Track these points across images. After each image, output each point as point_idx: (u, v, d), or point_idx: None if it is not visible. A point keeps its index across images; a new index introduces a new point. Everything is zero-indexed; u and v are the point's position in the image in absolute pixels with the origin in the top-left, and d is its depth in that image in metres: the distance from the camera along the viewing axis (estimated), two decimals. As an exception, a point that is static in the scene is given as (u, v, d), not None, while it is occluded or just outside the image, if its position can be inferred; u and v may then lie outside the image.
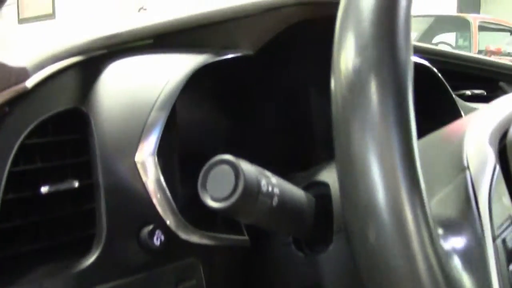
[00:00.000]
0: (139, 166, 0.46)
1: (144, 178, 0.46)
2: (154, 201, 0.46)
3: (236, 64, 0.56)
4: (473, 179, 0.37)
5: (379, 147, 0.28)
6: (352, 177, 0.29)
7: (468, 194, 0.36)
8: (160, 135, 0.47)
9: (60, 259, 0.44)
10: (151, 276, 0.46)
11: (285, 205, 0.40)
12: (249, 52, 0.57)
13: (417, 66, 0.73)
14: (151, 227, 0.45)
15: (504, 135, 0.42)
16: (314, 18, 0.59)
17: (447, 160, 0.40)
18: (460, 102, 0.79)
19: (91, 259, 0.44)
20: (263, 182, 0.38)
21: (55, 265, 0.43)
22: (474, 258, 0.34)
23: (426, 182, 0.39)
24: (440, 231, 0.35)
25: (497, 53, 5.58)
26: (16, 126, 0.43)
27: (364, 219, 0.28)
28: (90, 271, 0.43)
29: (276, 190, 0.39)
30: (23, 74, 0.43)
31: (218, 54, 0.54)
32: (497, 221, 0.35)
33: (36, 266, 0.42)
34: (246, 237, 0.51)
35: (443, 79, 0.76)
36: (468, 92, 0.87)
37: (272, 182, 0.39)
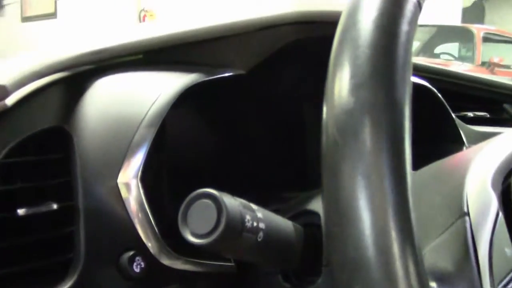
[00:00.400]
0: (121, 188, 0.44)
1: (126, 202, 0.44)
2: (136, 226, 0.44)
3: (228, 81, 0.54)
4: (473, 226, 0.34)
5: (371, 198, 0.26)
6: (340, 227, 0.27)
7: (467, 243, 0.33)
8: (145, 156, 0.45)
9: (36, 285, 0.42)
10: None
11: (272, 239, 0.38)
12: (241, 71, 0.55)
13: (417, 86, 0.72)
14: (131, 253, 0.44)
15: (509, 174, 0.39)
16: (311, 37, 0.58)
17: (446, 201, 0.37)
18: (461, 124, 0.77)
19: (66, 285, 0.42)
20: (247, 217, 0.36)
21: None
22: None
23: (422, 224, 0.37)
24: (434, 284, 0.32)
25: (500, 65, 5.55)
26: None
27: (351, 272, 0.26)
28: None
29: (262, 225, 0.37)
30: (3, 92, 0.41)
31: (209, 73, 0.52)
32: (498, 275, 0.32)
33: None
34: (232, 264, 0.49)
35: (443, 100, 0.75)
36: (470, 114, 0.85)
37: (257, 217, 0.37)
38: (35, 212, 0.43)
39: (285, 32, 0.57)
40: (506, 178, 0.38)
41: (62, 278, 0.42)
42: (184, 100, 0.50)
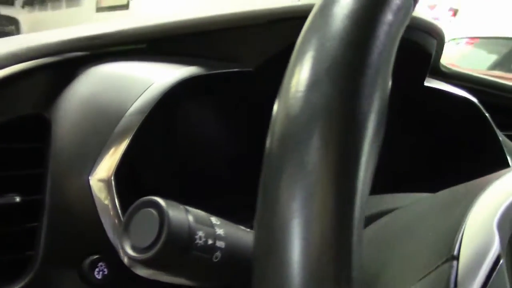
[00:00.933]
0: (93, 185, 0.41)
1: (97, 200, 0.41)
2: (105, 227, 0.41)
3: (233, 77, 0.50)
4: (459, 274, 0.27)
5: (306, 227, 0.21)
6: (269, 253, 0.22)
7: None
8: (125, 152, 0.41)
9: None
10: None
11: (232, 261, 0.33)
12: (248, 68, 0.50)
13: (459, 99, 0.65)
14: (95, 257, 0.40)
15: None
16: None
17: (440, 237, 0.30)
18: (508, 144, 0.70)
19: (19, 284, 0.39)
20: (200, 234, 0.31)
21: None
22: None
23: (405, 263, 0.31)
24: None
25: None
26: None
27: None
28: None
29: (220, 244, 0.32)
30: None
31: (211, 67, 0.48)
32: None
33: None
34: None
35: (488, 116, 0.68)
36: None
37: (215, 234, 0.32)
38: (7, 203, 0.40)
39: (296, 26, 0.52)
40: None
41: (17, 276, 0.39)
42: (181, 94, 0.46)
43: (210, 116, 0.56)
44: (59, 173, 0.41)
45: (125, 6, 5.51)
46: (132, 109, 0.43)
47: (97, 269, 0.40)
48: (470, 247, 0.28)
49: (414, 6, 0.26)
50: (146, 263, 0.30)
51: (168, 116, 0.49)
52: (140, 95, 0.43)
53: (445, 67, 0.73)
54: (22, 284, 0.38)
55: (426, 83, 0.64)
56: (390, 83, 0.24)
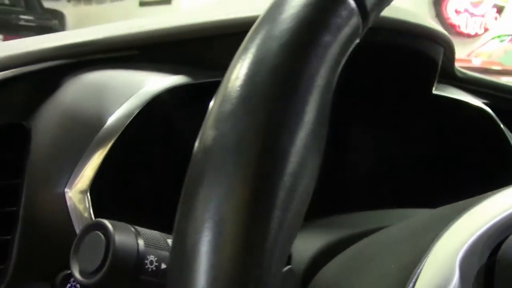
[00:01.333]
0: (68, 198, 0.40)
1: (72, 214, 0.40)
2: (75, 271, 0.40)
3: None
4: None
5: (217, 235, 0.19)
6: (180, 273, 0.20)
7: None
8: (101, 166, 0.40)
9: None
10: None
11: None
12: None
13: (472, 108, 0.62)
14: (67, 272, 0.39)
15: (496, 249, 0.28)
16: None
17: (399, 271, 0.28)
18: None
19: None
20: (151, 258, 0.30)
21: None
22: None
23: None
24: None
25: None
26: None
27: None
28: None
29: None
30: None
31: (194, 75, 0.47)
32: None
33: None
34: None
35: (503, 126, 0.65)
36: None
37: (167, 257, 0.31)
38: None
39: None
40: (491, 254, 0.27)
41: None
42: (165, 103, 0.45)
43: (196, 126, 0.55)
44: (35, 184, 0.41)
45: (168, 2, 5.57)
46: (112, 119, 0.42)
47: (68, 285, 0.39)
48: (427, 283, 0.26)
49: (366, 22, 0.23)
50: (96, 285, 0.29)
51: (150, 126, 0.48)
52: (121, 105, 0.42)
53: (461, 72, 0.70)
54: None
55: (438, 92, 0.61)
56: (327, 109, 0.21)
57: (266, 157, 0.20)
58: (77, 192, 0.40)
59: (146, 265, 0.30)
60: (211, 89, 0.46)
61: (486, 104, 0.69)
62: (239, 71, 0.22)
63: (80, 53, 0.47)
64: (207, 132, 0.21)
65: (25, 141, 0.42)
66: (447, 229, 0.29)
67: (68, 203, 0.40)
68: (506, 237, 0.28)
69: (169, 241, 0.32)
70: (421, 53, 0.56)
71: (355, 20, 0.22)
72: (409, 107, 0.64)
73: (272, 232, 0.19)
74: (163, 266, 0.30)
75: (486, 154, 0.66)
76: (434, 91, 0.60)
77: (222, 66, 0.50)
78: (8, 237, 0.40)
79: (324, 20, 0.22)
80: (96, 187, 0.40)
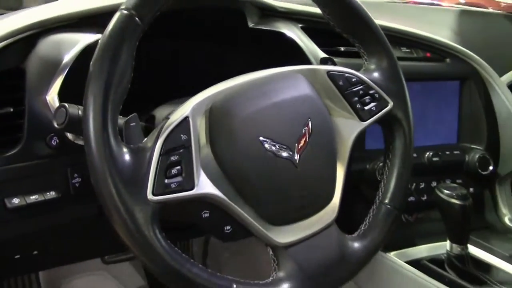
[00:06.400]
0: (47, 100, 0.83)
1: (50, 107, 0.83)
2: (55, 120, 0.83)
3: None
4: (163, 126, 0.67)
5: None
6: None
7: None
8: (63, 83, 0.84)
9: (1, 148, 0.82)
10: (53, 161, 0.84)
11: None
12: None
13: (278, 34, 1.05)
14: (52, 134, 0.83)
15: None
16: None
17: None
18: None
19: (17, 148, 0.82)
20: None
21: None
22: None
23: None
24: None
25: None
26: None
27: None
28: (19, 154, 0.82)
29: None
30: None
31: None
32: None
33: None
34: None
35: (301, 44, 1.06)
36: (342, 48, 1.15)
37: None
38: (4, 112, 0.82)
39: None
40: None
41: (12, 148, 0.82)
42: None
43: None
44: (32, 95, 0.84)
45: None
46: (65, 59, 0.85)
47: (53, 140, 0.83)
48: (174, 117, 0.70)
49: (143, 17, 0.67)
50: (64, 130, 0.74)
51: (85, 62, 0.91)
52: (70, 51, 0.85)
53: (283, 8, 1.12)
54: (19, 147, 0.82)
55: (256, 26, 1.04)
56: (123, 62, 0.65)
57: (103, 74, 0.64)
58: (51, 97, 0.84)
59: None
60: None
61: (304, 27, 1.12)
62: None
63: (50, 23, 0.89)
64: (90, 67, 0.65)
65: (24, 75, 0.85)
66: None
67: (48, 102, 0.84)
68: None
69: None
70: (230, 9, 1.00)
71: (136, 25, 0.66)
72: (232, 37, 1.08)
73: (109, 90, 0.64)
74: None
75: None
76: (253, 26, 1.04)
77: None
78: (22, 121, 0.84)
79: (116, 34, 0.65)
80: (61, 94, 0.84)
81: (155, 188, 0.63)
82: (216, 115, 0.70)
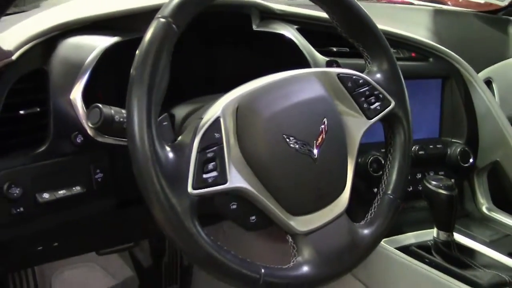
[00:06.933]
0: (72, 99, 0.88)
1: (74, 107, 0.88)
2: (81, 121, 0.88)
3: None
4: (198, 125, 0.73)
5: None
6: None
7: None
8: (86, 84, 0.88)
9: (25, 149, 0.87)
10: (78, 158, 0.89)
11: None
12: None
13: (279, 36, 1.12)
14: (76, 133, 0.88)
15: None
16: None
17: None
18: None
19: (45, 146, 0.87)
20: (116, 117, 0.80)
21: (23, 151, 0.86)
22: None
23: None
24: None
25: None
26: (8, 78, 0.85)
27: None
28: (46, 151, 0.86)
29: (125, 119, 0.81)
30: (9, 53, 0.85)
31: (127, 35, 0.95)
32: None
33: (17, 150, 0.85)
34: None
35: (300, 45, 1.13)
36: (334, 49, 1.22)
37: (123, 116, 0.81)
38: (28, 112, 0.87)
39: None
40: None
41: (39, 146, 0.87)
42: (111, 51, 0.93)
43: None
44: (56, 95, 0.88)
45: None
46: (87, 61, 0.89)
47: (77, 138, 0.88)
48: (208, 115, 0.76)
49: (179, 24, 0.73)
50: (98, 129, 0.79)
51: (106, 63, 0.96)
52: (91, 53, 0.90)
53: (280, 10, 1.18)
54: (46, 146, 0.86)
55: (259, 28, 1.11)
56: (161, 69, 0.71)
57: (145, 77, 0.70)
58: (75, 96, 0.88)
59: (115, 119, 0.79)
60: (132, 41, 0.94)
61: (299, 28, 1.19)
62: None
63: (68, 26, 0.93)
64: (133, 71, 0.71)
65: (46, 76, 0.89)
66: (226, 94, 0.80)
67: (72, 102, 0.88)
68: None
69: (122, 110, 0.81)
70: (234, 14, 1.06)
71: (169, 28, 0.72)
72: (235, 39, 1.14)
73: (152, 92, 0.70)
74: (121, 120, 0.80)
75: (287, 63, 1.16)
76: (256, 28, 1.10)
77: (134, 30, 0.99)
78: (47, 120, 0.88)
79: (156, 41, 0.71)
80: (84, 94, 0.89)
81: (195, 183, 0.69)
82: (243, 115, 0.76)
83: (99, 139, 0.90)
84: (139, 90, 0.68)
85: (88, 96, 0.90)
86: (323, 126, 0.80)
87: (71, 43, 0.93)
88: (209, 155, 0.71)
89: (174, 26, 0.71)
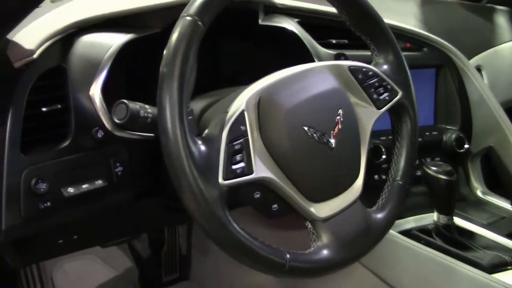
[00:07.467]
0: (91, 96, 0.91)
1: (94, 103, 0.91)
2: (101, 116, 0.90)
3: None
4: (225, 119, 0.76)
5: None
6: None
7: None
8: (105, 80, 0.91)
9: (49, 145, 0.89)
10: (98, 152, 0.92)
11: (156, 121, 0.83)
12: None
13: (283, 29, 1.15)
14: (97, 128, 0.91)
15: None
16: None
17: (225, 105, 0.82)
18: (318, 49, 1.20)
19: (67, 141, 0.89)
20: (141, 112, 0.83)
21: (46, 147, 0.88)
22: None
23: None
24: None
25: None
26: (29, 76, 0.87)
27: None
28: (69, 147, 0.89)
29: (150, 115, 0.84)
30: (31, 52, 0.86)
31: (141, 31, 0.97)
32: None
33: (41, 147, 0.88)
34: (152, 135, 0.96)
35: (304, 39, 1.17)
36: (333, 41, 1.26)
37: (147, 111, 0.84)
38: (50, 109, 0.89)
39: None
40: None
41: (63, 140, 0.89)
42: (127, 47, 0.95)
43: (145, 56, 1.06)
44: (75, 92, 0.91)
45: None
46: (105, 57, 0.92)
47: (98, 133, 0.91)
48: (234, 107, 0.79)
49: (205, 22, 0.76)
50: (124, 125, 0.82)
51: (124, 59, 0.98)
52: (109, 49, 0.92)
53: (281, 4, 1.22)
54: (68, 142, 0.88)
55: (264, 22, 1.14)
56: (191, 63, 0.74)
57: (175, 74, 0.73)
58: (94, 92, 0.91)
59: (140, 114, 0.82)
60: (151, 37, 0.97)
61: (300, 22, 1.22)
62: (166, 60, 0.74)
63: (84, 24, 0.95)
64: (163, 68, 0.73)
65: (65, 73, 0.92)
66: (244, 88, 0.83)
67: (91, 98, 0.91)
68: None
69: (146, 106, 0.84)
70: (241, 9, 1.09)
71: (195, 25, 0.75)
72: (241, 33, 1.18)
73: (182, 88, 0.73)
74: (146, 114, 0.83)
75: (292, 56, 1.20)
76: (261, 22, 1.14)
77: (148, 27, 1.02)
78: (67, 116, 0.90)
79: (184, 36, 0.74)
80: (104, 90, 0.91)
81: (224, 174, 0.73)
82: (265, 108, 0.80)
83: (118, 133, 0.92)
84: (170, 86, 0.71)
85: (106, 92, 0.92)
86: (338, 117, 0.84)
87: (88, 41, 0.95)
88: (236, 147, 0.75)
89: (200, 23, 0.74)
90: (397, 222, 1.29)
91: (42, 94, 0.88)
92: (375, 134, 1.26)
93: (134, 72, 1.07)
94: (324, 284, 1.42)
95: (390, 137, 1.07)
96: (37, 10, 0.95)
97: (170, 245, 1.91)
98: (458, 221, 1.26)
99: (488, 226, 1.24)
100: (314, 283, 1.46)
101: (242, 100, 0.79)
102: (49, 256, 1.08)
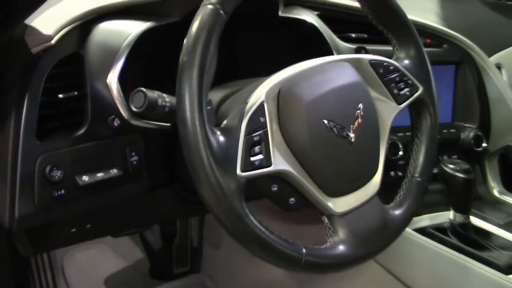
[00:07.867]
0: (109, 84, 0.90)
1: (111, 92, 0.90)
2: (117, 104, 0.90)
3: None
4: (244, 109, 0.75)
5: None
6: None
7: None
8: (122, 68, 0.90)
9: (67, 130, 0.88)
10: (114, 141, 0.91)
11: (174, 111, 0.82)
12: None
13: (303, 21, 1.14)
14: (113, 116, 0.90)
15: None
16: None
17: (244, 96, 0.81)
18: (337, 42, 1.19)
19: (83, 129, 0.88)
20: (159, 100, 0.82)
21: (62, 134, 0.87)
22: None
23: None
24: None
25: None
26: (47, 63, 0.86)
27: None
28: (84, 134, 0.88)
29: (168, 104, 0.83)
30: (49, 38, 0.86)
31: (160, 20, 0.96)
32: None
33: (56, 134, 0.87)
34: (169, 124, 0.95)
35: (324, 32, 1.16)
36: (353, 35, 1.25)
37: (165, 100, 0.83)
38: (67, 95, 0.88)
39: None
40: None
41: (79, 128, 0.89)
42: (146, 35, 0.94)
43: (163, 44, 1.05)
44: (93, 79, 0.90)
45: None
46: (123, 44, 0.91)
47: (114, 122, 0.90)
48: (254, 98, 0.78)
49: (226, 10, 0.74)
50: (142, 113, 0.81)
51: (142, 46, 0.97)
52: (126, 38, 0.92)
53: (301, -3, 1.20)
54: (85, 129, 0.88)
55: (284, 14, 1.13)
56: (211, 53, 0.73)
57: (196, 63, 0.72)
58: (111, 80, 0.90)
59: (157, 102, 0.81)
60: (169, 26, 0.97)
61: (319, 14, 1.21)
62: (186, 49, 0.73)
63: (103, 11, 0.94)
64: (183, 57, 0.72)
65: (82, 60, 0.91)
66: (263, 79, 0.82)
67: (108, 86, 0.90)
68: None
69: (164, 94, 0.83)
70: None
71: (216, 14, 0.73)
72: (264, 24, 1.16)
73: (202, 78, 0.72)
74: (163, 103, 0.82)
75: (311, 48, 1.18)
76: (281, 14, 1.12)
77: (166, 15, 1.01)
78: (84, 103, 0.90)
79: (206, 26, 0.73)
80: (121, 78, 0.90)
81: (243, 166, 0.72)
82: (284, 99, 0.78)
83: (135, 122, 0.91)
84: (190, 75, 0.70)
85: (123, 80, 0.91)
86: (359, 111, 0.83)
87: (106, 28, 0.94)
88: (255, 138, 0.74)
89: (222, 12, 0.73)
90: (413, 219, 1.27)
91: (59, 81, 0.88)
92: (392, 130, 1.24)
93: (151, 61, 1.06)
94: (337, 280, 1.41)
95: (407, 133, 1.06)
96: (55, -4, 0.95)
97: (181, 238, 1.90)
98: (474, 220, 1.25)
99: (505, 226, 1.22)
100: (326, 279, 1.45)
101: (262, 91, 0.77)
102: (61, 245, 1.07)
